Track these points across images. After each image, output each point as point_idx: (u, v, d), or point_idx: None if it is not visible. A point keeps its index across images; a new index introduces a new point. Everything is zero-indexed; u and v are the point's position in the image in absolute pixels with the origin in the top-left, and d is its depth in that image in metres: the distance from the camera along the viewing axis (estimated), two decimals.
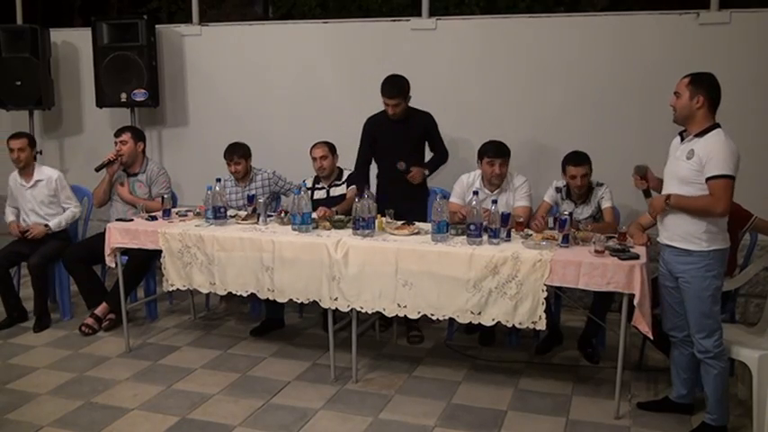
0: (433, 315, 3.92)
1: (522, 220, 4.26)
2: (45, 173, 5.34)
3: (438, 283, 3.85)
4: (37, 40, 6.38)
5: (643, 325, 3.56)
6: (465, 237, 3.99)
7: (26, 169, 5.30)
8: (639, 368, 4.35)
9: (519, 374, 4.29)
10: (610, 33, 5.34)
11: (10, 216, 5.39)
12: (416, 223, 4.33)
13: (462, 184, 4.68)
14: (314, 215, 4.40)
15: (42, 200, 5.29)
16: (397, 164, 4.77)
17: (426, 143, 4.97)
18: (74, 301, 5.38)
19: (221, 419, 3.75)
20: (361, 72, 5.85)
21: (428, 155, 5.03)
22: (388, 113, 4.77)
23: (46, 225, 5.24)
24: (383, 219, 4.30)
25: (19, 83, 6.40)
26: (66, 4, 11.75)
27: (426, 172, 4.88)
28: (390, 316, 4.12)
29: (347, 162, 5.14)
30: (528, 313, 3.71)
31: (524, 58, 5.52)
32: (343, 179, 5.16)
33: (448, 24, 5.72)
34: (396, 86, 4.72)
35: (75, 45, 6.82)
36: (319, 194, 5.10)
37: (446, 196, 4.45)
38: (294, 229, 4.28)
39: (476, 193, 4.20)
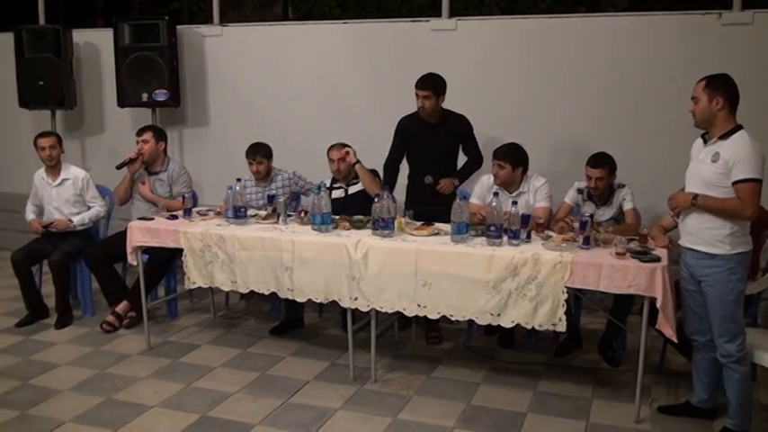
0: (452, 316, 3.91)
1: (542, 221, 4.24)
2: (72, 172, 5.39)
3: (457, 284, 3.84)
4: (59, 40, 6.46)
5: (667, 329, 3.53)
6: (485, 238, 3.97)
7: (54, 167, 5.35)
8: (660, 372, 4.31)
9: (538, 377, 4.27)
10: (631, 34, 5.30)
11: (30, 214, 5.44)
12: (436, 224, 4.32)
13: (483, 185, 4.67)
14: None
15: (68, 198, 5.34)
16: (424, 178, 4.73)
17: (461, 147, 4.95)
18: (95, 298, 5.43)
19: (241, 418, 3.77)
20: (380, 73, 5.85)
21: (461, 159, 5.01)
22: (418, 108, 4.75)
23: (69, 220, 5.29)
24: (402, 219, 4.30)
25: (42, 83, 6.49)
26: (88, 4, 11.85)
27: (456, 182, 4.83)
28: (410, 316, 4.11)
29: (369, 162, 5.13)
30: (548, 315, 3.70)
31: (545, 58, 5.49)
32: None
33: (468, 25, 5.71)
34: (429, 79, 4.71)
35: (96, 45, 6.88)
36: (337, 194, 5.10)
37: (466, 197, 4.43)
38: (314, 229, 4.29)
39: (496, 194, 4.18)
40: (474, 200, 4.65)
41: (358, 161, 4.94)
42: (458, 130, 4.86)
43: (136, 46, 6.22)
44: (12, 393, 4.10)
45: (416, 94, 4.72)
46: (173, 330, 5.11)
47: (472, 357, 4.56)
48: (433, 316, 3.95)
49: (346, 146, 5.11)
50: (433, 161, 4.85)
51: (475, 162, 4.95)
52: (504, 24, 5.74)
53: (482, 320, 3.85)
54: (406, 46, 5.79)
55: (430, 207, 4.54)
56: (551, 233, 4.13)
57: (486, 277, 3.77)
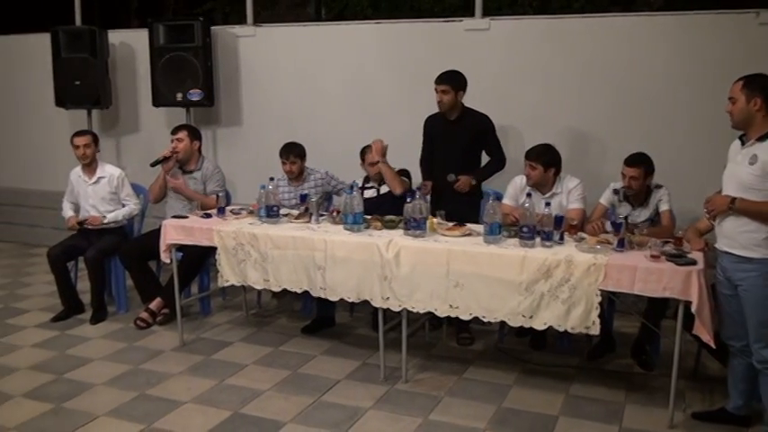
0: (484, 317, 3.90)
1: (575, 222, 4.20)
2: (108, 170, 5.47)
3: (489, 285, 3.83)
4: (95, 41, 6.57)
5: (704, 334, 3.48)
6: (517, 239, 3.96)
7: (89, 166, 5.43)
8: (695, 377, 4.25)
9: (570, 380, 4.24)
10: (666, 33, 5.24)
11: (69, 211, 5.53)
12: (468, 224, 4.32)
13: (515, 186, 4.65)
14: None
15: (103, 196, 5.42)
16: (447, 176, 4.74)
17: (483, 148, 4.94)
18: (129, 295, 5.50)
19: (272, 415, 3.80)
20: (413, 73, 5.86)
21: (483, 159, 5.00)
22: (437, 103, 4.79)
23: (103, 216, 5.38)
24: (435, 219, 4.29)
25: (78, 82, 6.60)
26: (123, 5, 12.04)
27: (473, 181, 4.83)
28: (442, 317, 4.11)
29: (400, 162, 5.15)
30: (581, 318, 3.67)
31: (579, 58, 5.45)
32: None
33: (501, 25, 5.69)
34: (447, 74, 4.76)
35: (132, 46, 6.98)
36: (369, 193, 5.11)
37: (499, 198, 4.42)
38: (346, 229, 4.30)
39: (529, 195, 4.16)
40: (507, 201, 4.64)
41: (381, 160, 4.95)
42: (477, 128, 4.86)
43: (171, 46, 6.30)
44: (47, 387, 4.17)
45: (435, 89, 4.77)
46: (205, 327, 5.16)
47: (504, 359, 4.54)
48: (465, 317, 3.95)
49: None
50: (451, 158, 4.88)
51: (496, 162, 4.94)
52: (538, 24, 5.71)
53: (514, 322, 3.84)
54: (439, 46, 5.79)
55: (453, 206, 4.53)
56: (585, 235, 4.10)
57: (519, 279, 3.76)
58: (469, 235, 4.16)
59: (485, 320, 3.93)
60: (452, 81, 4.76)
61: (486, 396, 4.03)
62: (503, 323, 4.07)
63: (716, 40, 5.09)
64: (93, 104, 6.71)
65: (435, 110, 4.94)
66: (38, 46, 7.06)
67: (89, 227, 5.36)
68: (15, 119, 7.72)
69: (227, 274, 4.51)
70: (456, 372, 4.35)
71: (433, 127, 4.98)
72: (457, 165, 4.86)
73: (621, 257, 3.68)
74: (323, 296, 4.28)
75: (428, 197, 4.84)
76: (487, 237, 3.99)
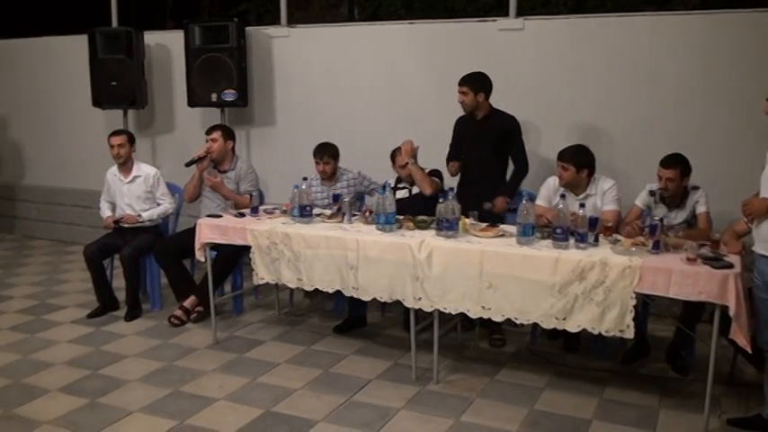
0: (516, 319, 3.88)
1: (610, 224, 4.16)
2: (143, 170, 5.56)
3: (523, 287, 3.81)
4: (132, 42, 6.65)
5: (741, 338, 3.42)
6: (551, 240, 3.93)
7: (125, 165, 5.52)
8: (730, 382, 4.18)
9: (604, 383, 4.20)
10: (702, 32, 5.16)
11: (106, 211, 5.62)
12: (501, 225, 4.31)
13: (549, 187, 4.62)
14: None
15: (139, 195, 5.51)
16: (483, 205, 4.73)
17: (509, 150, 4.92)
18: (164, 292, 5.57)
19: (304, 414, 3.82)
20: (446, 73, 5.80)
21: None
22: (460, 104, 4.86)
23: (138, 215, 5.46)
24: (467, 220, 4.29)
25: (114, 83, 6.70)
26: (158, 7, 12.18)
27: (508, 199, 4.84)
28: (474, 318, 4.10)
29: (432, 162, 5.15)
30: (615, 321, 3.64)
31: (614, 57, 5.39)
32: None
33: (535, 24, 5.66)
34: (468, 76, 4.83)
35: (167, 47, 7.07)
36: (402, 194, 5.12)
37: (532, 199, 4.39)
38: (378, 229, 4.31)
39: (563, 196, 4.14)
40: (540, 202, 4.61)
41: (411, 161, 4.96)
42: (502, 128, 4.86)
43: (206, 47, 6.35)
44: (82, 382, 4.25)
45: (457, 92, 4.84)
46: (238, 326, 5.21)
47: (536, 361, 4.52)
48: (498, 318, 3.93)
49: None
50: (478, 157, 4.91)
51: (520, 170, 4.92)
52: (573, 24, 5.66)
53: (547, 324, 3.82)
54: (473, 46, 5.77)
55: (477, 205, 4.53)
56: (620, 237, 4.06)
57: (552, 280, 3.73)
58: (502, 236, 4.14)
59: (517, 322, 3.91)
60: (472, 82, 4.81)
61: (518, 398, 4.01)
62: (535, 325, 4.04)
63: (754, 39, 5.00)
64: (129, 105, 6.81)
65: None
66: (75, 47, 7.18)
67: (125, 225, 5.44)
68: (53, 119, 7.87)
69: (262, 272, 4.55)
70: (488, 373, 4.34)
71: (462, 127, 5.02)
72: (484, 164, 4.89)
73: (657, 260, 3.64)
74: (355, 296, 4.30)
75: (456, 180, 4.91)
76: (521, 238, 3.97)
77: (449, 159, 5.12)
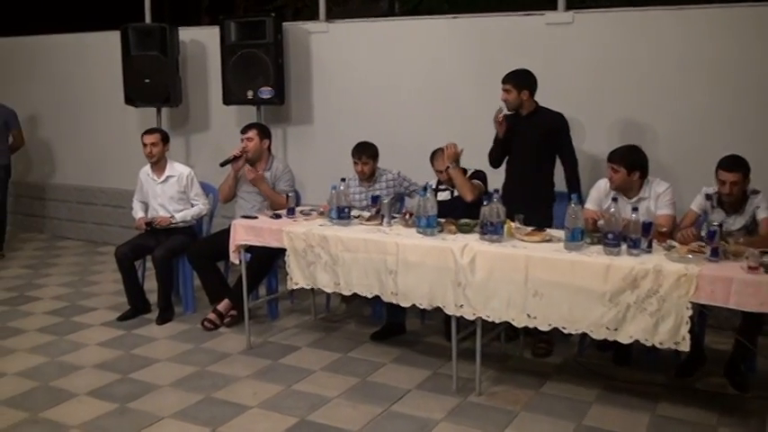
0: (564, 329, 3.85)
1: (665, 230, 4.11)
2: (177, 169, 5.64)
3: (571, 295, 3.78)
4: (166, 38, 6.74)
5: None
6: (601, 246, 3.90)
7: (158, 164, 5.61)
8: None
9: (657, 399, 4.14)
10: (759, 25, 5.04)
11: (139, 211, 5.72)
12: (548, 229, 4.28)
13: (599, 190, 4.58)
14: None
15: (172, 195, 5.59)
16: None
17: (556, 149, 4.89)
18: (197, 295, 5.65)
19: (340, 424, 3.84)
20: (491, 70, 5.77)
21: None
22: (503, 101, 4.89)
23: (171, 216, 5.54)
24: (512, 224, 4.27)
25: (148, 80, 6.78)
26: (193, 3, 12.37)
27: None
28: (519, 327, 4.08)
29: (476, 163, 5.14)
30: (670, 332, 3.59)
31: (669, 52, 5.31)
32: (467, 176, 5.14)
33: (586, 18, 5.60)
34: (512, 73, 4.87)
35: (202, 43, 7.17)
36: (443, 196, 5.11)
37: (582, 201, 4.35)
38: (419, 232, 4.32)
39: (615, 199, 4.10)
40: (590, 205, 4.57)
41: (452, 165, 4.96)
42: (548, 126, 4.84)
43: (242, 43, 6.42)
44: (112, 386, 4.33)
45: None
46: (273, 331, 5.26)
47: (584, 374, 4.47)
48: (544, 328, 3.91)
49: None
50: (521, 157, 4.92)
51: (571, 170, 4.87)
52: (626, 16, 5.58)
53: (597, 335, 3.78)
54: (520, 41, 5.74)
55: (522, 207, 4.49)
56: (675, 243, 4.00)
57: (603, 288, 3.70)
58: (549, 241, 4.12)
59: (565, 332, 3.88)
60: (515, 80, 4.84)
61: (564, 413, 3.97)
62: (584, 335, 4.01)
63: None
64: (162, 102, 6.90)
65: None
66: (107, 44, 7.32)
67: (156, 227, 5.52)
68: (85, 117, 8.04)
69: (297, 277, 4.58)
70: (533, 386, 4.31)
71: (509, 123, 4.99)
72: (529, 164, 4.89)
73: (715, 268, 3.58)
74: (394, 302, 4.31)
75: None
76: (569, 243, 3.94)
77: (492, 152, 5.10)
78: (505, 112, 4.92)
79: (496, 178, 5.10)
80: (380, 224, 4.60)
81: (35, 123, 8.36)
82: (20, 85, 8.28)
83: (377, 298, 4.40)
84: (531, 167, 4.89)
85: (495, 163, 5.13)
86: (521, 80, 4.84)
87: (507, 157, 5.07)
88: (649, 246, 3.87)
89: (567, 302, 3.79)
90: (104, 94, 7.67)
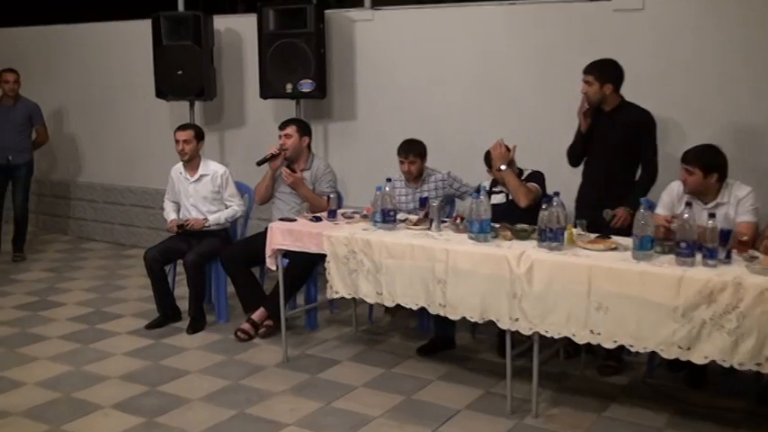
0: (631, 347, 3.80)
1: (746, 238, 4.02)
2: (211, 167, 5.70)
3: (639, 310, 3.72)
4: (200, 27, 6.81)
5: None
6: (673, 256, 3.83)
7: (191, 162, 5.67)
8: None
9: (736, 426, 4.06)
10: None
11: (171, 213, 5.79)
12: (613, 237, 4.23)
13: (671, 194, 4.50)
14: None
15: (206, 195, 5.66)
16: (603, 212, 4.66)
17: (640, 150, 4.83)
18: (230, 303, 5.71)
19: None
20: (551, 61, 5.79)
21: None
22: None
23: (204, 219, 5.60)
24: (574, 230, 4.23)
25: (180, 72, 6.85)
26: None
27: (632, 211, 4.66)
28: (580, 343, 4.04)
29: (533, 163, 5.10)
30: (751, 352, 3.50)
31: (759, 39, 5.19)
32: (523, 178, 5.10)
33: (658, 3, 5.53)
34: (594, 63, 4.78)
35: (239, 32, 7.25)
36: (498, 198, 5.09)
37: (652, 207, 4.29)
38: (471, 238, 4.30)
39: (689, 204, 4.03)
40: (661, 210, 4.49)
41: (503, 166, 4.94)
42: (633, 123, 4.76)
43: (281, 32, 6.45)
44: (139, 399, 4.39)
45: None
46: (311, 343, 5.29)
47: (653, 396, 4.41)
48: (609, 345, 3.86)
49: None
50: (601, 156, 4.85)
51: (648, 175, 4.81)
52: (702, 1, 5.50)
53: (668, 354, 3.71)
54: (583, 29, 5.68)
55: (599, 212, 4.45)
56: (757, 253, 3.92)
57: (675, 303, 3.63)
58: (615, 249, 4.06)
59: (632, 350, 3.83)
60: (599, 71, 4.75)
61: None
62: (653, 354, 3.95)
63: None
64: (196, 96, 6.97)
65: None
66: (137, 33, 7.44)
67: (190, 229, 5.58)
68: (113, 111, 8.17)
69: (337, 285, 4.60)
70: (595, 408, 4.26)
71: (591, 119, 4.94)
72: (608, 165, 4.82)
73: None
74: (442, 314, 4.29)
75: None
76: (637, 252, 3.88)
77: (571, 148, 5.04)
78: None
79: (568, 179, 5.04)
80: (429, 229, 4.59)
81: (60, 118, 8.54)
82: (44, 77, 8.43)
83: (424, 309, 4.39)
84: (611, 170, 4.80)
85: (574, 160, 5.05)
86: (605, 72, 4.75)
87: (585, 158, 5.01)
88: (728, 256, 3.79)
89: (635, 317, 3.74)
90: (134, 87, 7.80)
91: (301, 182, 5.46)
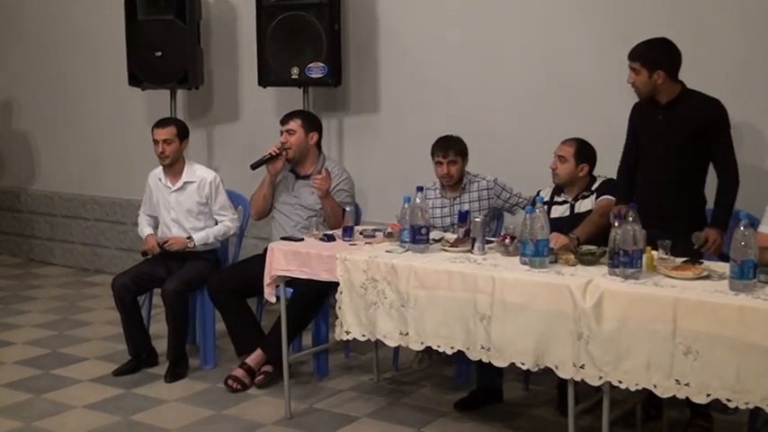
0: (729, 401, 3.77)
1: None
2: (197, 173, 5.71)
3: (739, 355, 3.69)
4: None
5: None
6: None
7: (173, 167, 5.69)
8: None
9: None
10: None
11: (146, 228, 5.81)
12: (705, 262, 4.21)
13: None
14: (551, 244, 4.39)
15: (190, 208, 5.67)
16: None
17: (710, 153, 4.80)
18: (219, 344, 5.74)
19: None
20: (626, 42, 5.75)
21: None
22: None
23: (188, 237, 5.59)
24: (655, 253, 4.21)
25: (159, 53, 6.88)
26: None
27: (721, 232, 4.66)
28: (664, 397, 4.02)
29: (604, 168, 5.09)
30: None
31: None
32: (594, 188, 5.11)
33: None
34: (639, 47, 4.73)
35: (232, 4, 7.31)
36: (560, 211, 5.09)
37: (754, 224, 4.27)
38: (524, 263, 4.30)
39: None
40: (765, 228, 4.48)
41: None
42: (699, 117, 4.70)
43: (285, 3, 6.44)
44: None
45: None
46: (321, 394, 5.29)
47: None
48: (701, 399, 3.82)
49: (579, 142, 5.08)
50: (657, 161, 4.81)
51: (729, 182, 4.74)
52: None
53: None
54: (663, 11, 5.66)
55: (661, 234, 4.42)
56: None
57: None
58: (708, 278, 4.04)
59: (730, 405, 3.80)
60: (644, 56, 4.69)
61: None
62: (756, 411, 3.91)
63: None
64: (178, 83, 7.01)
65: None
66: (106, 6, 7.55)
67: (169, 249, 5.59)
68: (74, 103, 8.27)
69: (349, 323, 4.59)
70: None
71: (639, 117, 4.92)
72: (669, 170, 4.77)
73: None
74: (485, 359, 4.26)
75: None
76: (736, 282, 3.86)
77: (626, 164, 5.00)
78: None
79: None
80: (470, 251, 4.59)
81: (8, 112, 8.62)
82: None
83: (462, 353, 4.37)
84: (674, 176, 4.77)
85: (627, 179, 5.00)
86: (652, 55, 4.70)
87: (637, 160, 4.97)
88: None
89: (734, 365, 3.71)
90: (101, 73, 7.89)
91: (328, 193, 5.47)
